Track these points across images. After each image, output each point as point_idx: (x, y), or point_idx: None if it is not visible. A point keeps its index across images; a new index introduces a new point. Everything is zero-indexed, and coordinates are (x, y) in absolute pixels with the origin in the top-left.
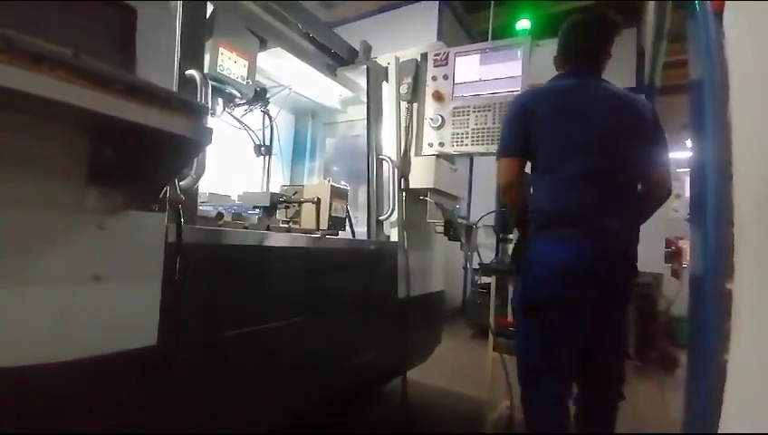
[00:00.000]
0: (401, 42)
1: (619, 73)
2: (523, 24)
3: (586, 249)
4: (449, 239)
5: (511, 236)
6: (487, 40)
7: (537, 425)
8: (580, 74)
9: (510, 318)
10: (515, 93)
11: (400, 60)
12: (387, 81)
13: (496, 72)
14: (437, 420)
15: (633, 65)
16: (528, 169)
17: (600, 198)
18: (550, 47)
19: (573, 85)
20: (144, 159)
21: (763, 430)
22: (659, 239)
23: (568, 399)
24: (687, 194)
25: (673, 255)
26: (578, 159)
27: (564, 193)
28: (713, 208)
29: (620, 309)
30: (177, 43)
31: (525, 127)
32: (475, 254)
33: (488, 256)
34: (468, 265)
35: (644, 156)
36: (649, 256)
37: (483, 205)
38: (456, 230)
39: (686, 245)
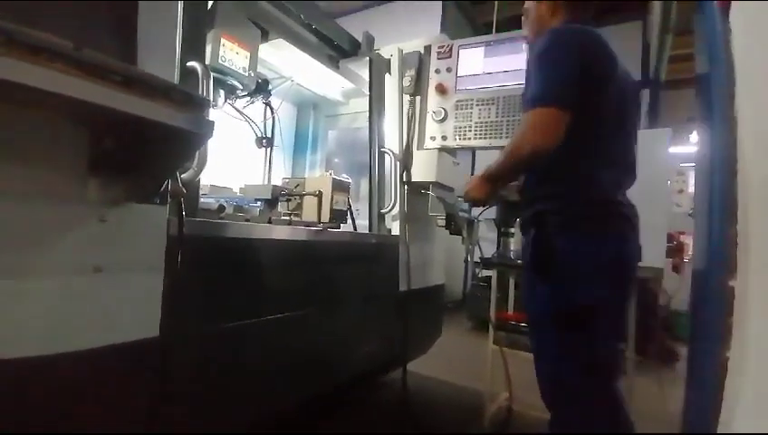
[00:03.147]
0: (404, 34)
1: (628, 67)
2: None
3: (633, 244)
4: (451, 233)
5: (513, 230)
6: (491, 32)
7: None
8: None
9: (510, 312)
10: (520, 87)
11: (403, 52)
12: (389, 73)
13: (501, 65)
14: (437, 410)
15: (638, 59)
16: None
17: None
18: None
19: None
20: (145, 152)
21: (763, 428)
22: (661, 234)
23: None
24: (691, 189)
25: (674, 250)
26: (623, 134)
27: (614, 178)
28: (717, 204)
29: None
30: (179, 34)
31: (583, 74)
32: (476, 247)
33: (489, 249)
34: (469, 259)
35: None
36: (651, 251)
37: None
38: (458, 224)
39: (687, 240)
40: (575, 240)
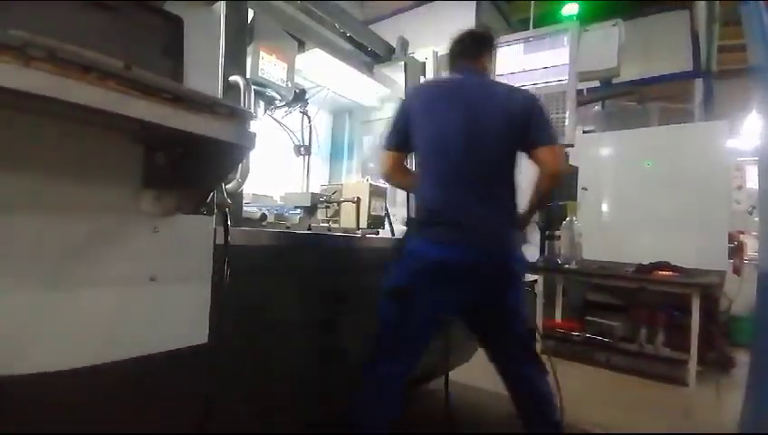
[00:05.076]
0: (439, 36)
1: (674, 58)
2: (571, 8)
3: (452, 250)
4: None
5: (558, 233)
6: (528, 29)
7: (372, 397)
8: (457, 71)
9: (558, 319)
10: (562, 83)
11: (438, 54)
12: (425, 76)
13: (541, 62)
14: (481, 422)
15: (688, 49)
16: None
17: (466, 196)
18: (600, 32)
19: (447, 79)
20: (193, 165)
21: None
22: (723, 235)
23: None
24: (749, 185)
25: (734, 250)
26: (444, 154)
27: (433, 192)
28: None
29: (505, 298)
30: (222, 50)
31: (403, 120)
32: None
33: (532, 253)
34: None
35: (522, 140)
36: (713, 253)
37: (524, 202)
38: None
39: (747, 239)
40: (406, 240)
